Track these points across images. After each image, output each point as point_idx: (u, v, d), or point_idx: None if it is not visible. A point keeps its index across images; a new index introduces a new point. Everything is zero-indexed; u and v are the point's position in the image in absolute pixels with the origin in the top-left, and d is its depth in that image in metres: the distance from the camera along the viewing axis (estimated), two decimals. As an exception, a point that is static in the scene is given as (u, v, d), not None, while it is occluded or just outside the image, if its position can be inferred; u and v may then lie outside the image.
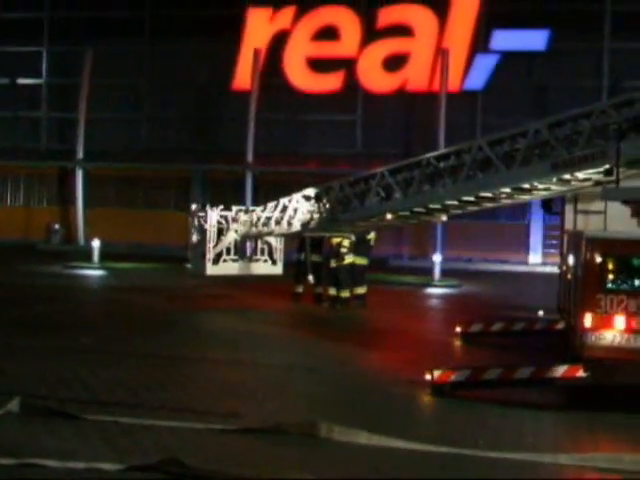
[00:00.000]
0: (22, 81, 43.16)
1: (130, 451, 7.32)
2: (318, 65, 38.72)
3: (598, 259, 9.77)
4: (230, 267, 18.71)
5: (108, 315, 17.31)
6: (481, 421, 8.93)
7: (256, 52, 38.62)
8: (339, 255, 18.52)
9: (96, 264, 28.34)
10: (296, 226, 17.33)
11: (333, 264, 18.69)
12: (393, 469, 7.22)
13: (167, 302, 19.10)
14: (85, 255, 29.82)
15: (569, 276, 12.72)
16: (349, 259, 18.51)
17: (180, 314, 17.35)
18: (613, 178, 10.70)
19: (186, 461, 6.78)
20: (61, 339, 13.50)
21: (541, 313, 16.02)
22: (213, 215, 18.41)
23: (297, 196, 17.24)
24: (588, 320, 9.65)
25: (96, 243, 28.85)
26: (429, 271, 26.44)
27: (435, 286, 25.43)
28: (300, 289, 19.64)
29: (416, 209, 15.00)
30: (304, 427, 8.03)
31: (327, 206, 16.52)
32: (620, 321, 9.46)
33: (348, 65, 38.56)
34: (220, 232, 18.41)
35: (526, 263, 36.17)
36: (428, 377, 10.08)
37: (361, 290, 18.88)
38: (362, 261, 18.93)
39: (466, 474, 7.15)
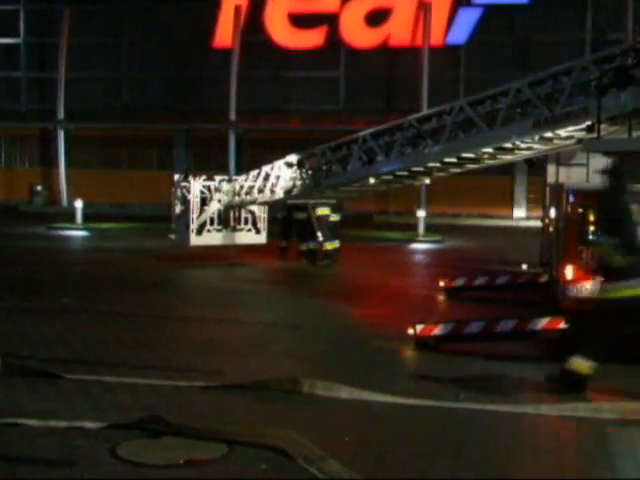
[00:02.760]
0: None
1: (112, 409, 7.30)
2: (300, 21, 38.37)
3: (579, 211, 9.77)
4: (214, 237, 18.73)
5: (91, 275, 17.23)
6: (464, 374, 8.94)
7: (237, 9, 38.22)
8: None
9: (79, 225, 28.25)
10: (279, 193, 17.29)
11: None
12: (375, 423, 7.23)
13: (150, 262, 19.05)
14: (68, 216, 29.69)
15: (551, 229, 12.73)
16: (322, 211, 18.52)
17: (163, 273, 17.31)
18: (595, 135, 10.66)
19: (168, 418, 6.77)
20: (44, 300, 13.46)
21: (524, 267, 16.05)
22: (196, 185, 18.29)
23: (279, 163, 17.17)
24: (569, 272, 9.66)
25: (79, 204, 28.71)
26: (414, 227, 26.47)
27: (419, 241, 25.47)
28: (284, 244, 19.80)
29: (399, 173, 14.95)
30: (287, 383, 8.03)
31: (309, 172, 16.44)
32: (601, 273, 9.43)
33: (330, 21, 38.24)
34: (204, 202, 18.36)
35: (511, 217, 36.28)
36: (411, 331, 10.10)
37: (331, 245, 18.94)
38: (335, 217, 18.96)
39: (448, 427, 7.17)
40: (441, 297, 14.40)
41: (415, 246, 24.80)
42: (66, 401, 7.56)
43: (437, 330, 10.03)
